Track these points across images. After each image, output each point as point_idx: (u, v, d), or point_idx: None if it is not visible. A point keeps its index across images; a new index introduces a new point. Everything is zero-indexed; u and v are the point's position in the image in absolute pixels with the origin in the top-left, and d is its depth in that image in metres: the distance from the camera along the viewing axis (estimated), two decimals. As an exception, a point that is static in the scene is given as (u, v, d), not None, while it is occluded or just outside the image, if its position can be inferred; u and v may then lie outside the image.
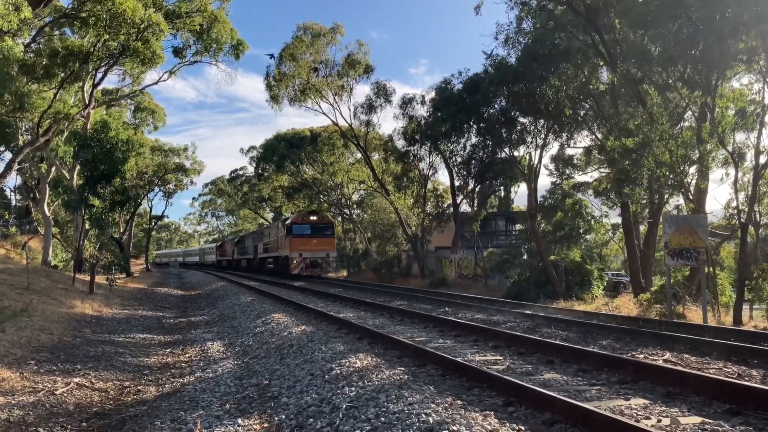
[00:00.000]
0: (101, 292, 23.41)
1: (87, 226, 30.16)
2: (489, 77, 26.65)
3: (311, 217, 38.76)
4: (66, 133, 31.01)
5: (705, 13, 15.36)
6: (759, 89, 15.66)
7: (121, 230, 50.62)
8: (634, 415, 5.75)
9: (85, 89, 31.03)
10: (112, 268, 31.27)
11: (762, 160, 15.19)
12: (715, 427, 5.28)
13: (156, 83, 36.63)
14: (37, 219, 39.66)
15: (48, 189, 33.58)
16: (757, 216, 16.22)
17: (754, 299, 16.97)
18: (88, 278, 24.59)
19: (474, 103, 28.32)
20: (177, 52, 32.39)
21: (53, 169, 33.63)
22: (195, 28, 29.85)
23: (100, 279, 26.71)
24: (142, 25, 24.27)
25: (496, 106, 27.95)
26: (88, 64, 26.69)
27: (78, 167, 30.52)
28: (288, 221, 38.71)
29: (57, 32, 28.16)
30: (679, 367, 7.73)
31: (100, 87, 33.42)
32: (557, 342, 9.91)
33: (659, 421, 5.55)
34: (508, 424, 5.39)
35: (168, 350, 12.79)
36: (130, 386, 9.31)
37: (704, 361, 8.51)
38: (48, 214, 33.14)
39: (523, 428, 5.28)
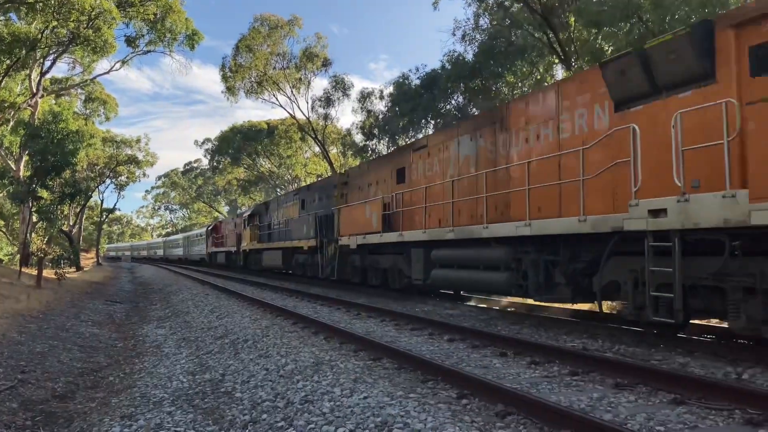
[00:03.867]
0: (50, 286, 22.73)
1: (35, 219, 29.27)
2: (446, 73, 26.84)
3: None
4: (12, 123, 30.02)
5: (656, 14, 15.78)
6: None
7: (71, 223, 49.21)
8: (584, 405, 5.88)
9: (32, 77, 30.08)
10: (62, 262, 30.41)
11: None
12: (661, 417, 5.45)
13: (108, 72, 35.84)
14: (-20, 211, 38.29)
15: (-8, 180, 32.46)
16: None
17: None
18: (35, 272, 23.86)
19: (431, 98, 28.44)
20: (130, 41, 31.68)
21: (-2, 159, 32.53)
22: (148, 17, 29.19)
23: (48, 273, 25.93)
24: (93, 13, 23.62)
25: (452, 101, 28.16)
26: (36, 51, 25.91)
27: (25, 158, 29.58)
28: None
29: (2, 17, 27.14)
30: (628, 359, 7.93)
31: (48, 75, 32.55)
32: (510, 335, 10.06)
33: (608, 410, 5.69)
34: (461, 416, 5.44)
35: (119, 345, 12.52)
36: (78, 382, 9.07)
37: (651, 353, 8.75)
38: (-8, 206, 32.05)
39: (476, 420, 5.35)
